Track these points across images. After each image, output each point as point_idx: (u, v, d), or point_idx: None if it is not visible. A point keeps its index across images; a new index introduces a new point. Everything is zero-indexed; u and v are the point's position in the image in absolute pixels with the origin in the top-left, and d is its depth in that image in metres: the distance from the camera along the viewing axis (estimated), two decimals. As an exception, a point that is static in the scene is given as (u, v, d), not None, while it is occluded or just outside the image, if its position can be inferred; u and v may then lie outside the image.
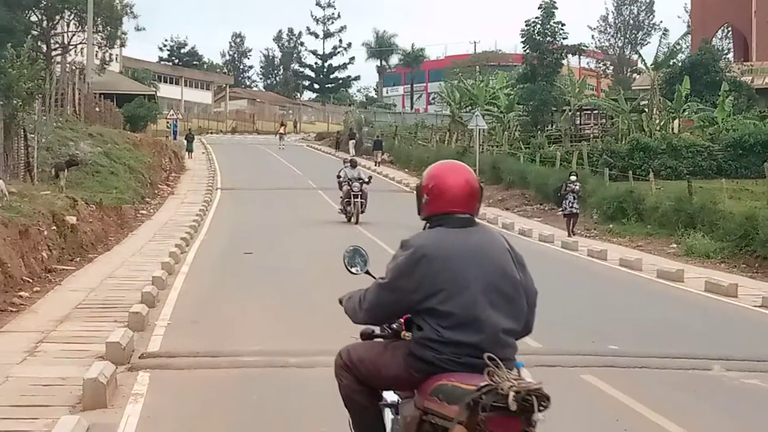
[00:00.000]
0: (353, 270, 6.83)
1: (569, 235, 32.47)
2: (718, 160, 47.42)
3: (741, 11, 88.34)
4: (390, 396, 6.10)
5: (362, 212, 33.50)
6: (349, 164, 35.45)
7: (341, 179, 34.29)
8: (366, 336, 6.21)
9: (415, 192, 6.04)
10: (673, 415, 9.80)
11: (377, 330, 6.19)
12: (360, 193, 33.52)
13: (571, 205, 33.70)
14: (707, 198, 31.28)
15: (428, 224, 5.93)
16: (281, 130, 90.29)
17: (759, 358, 12.92)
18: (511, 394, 5.10)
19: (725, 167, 46.64)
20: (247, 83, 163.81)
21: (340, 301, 6.24)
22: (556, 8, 60.14)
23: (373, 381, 6.01)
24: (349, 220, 33.31)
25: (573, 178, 34.61)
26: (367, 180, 34.40)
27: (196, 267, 22.06)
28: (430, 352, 5.57)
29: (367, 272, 6.76)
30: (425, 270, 5.63)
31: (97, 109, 57.89)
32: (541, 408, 5.23)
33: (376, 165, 66.30)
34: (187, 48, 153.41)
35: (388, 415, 6.12)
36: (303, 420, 9.53)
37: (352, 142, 77.37)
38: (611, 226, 34.54)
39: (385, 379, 5.93)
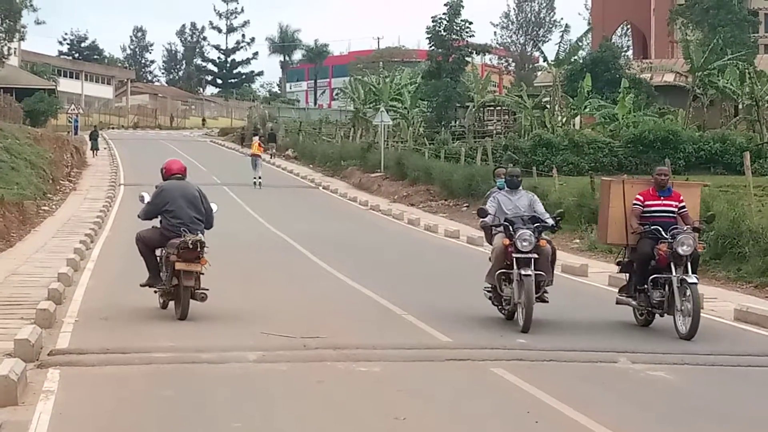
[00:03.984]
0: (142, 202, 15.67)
1: None
2: (618, 156, 48.09)
3: (640, 9, 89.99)
4: (158, 251, 15.11)
5: (545, 299, 15.22)
6: (504, 183, 16.48)
7: (490, 219, 15.79)
8: None
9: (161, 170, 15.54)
10: (581, 406, 9.99)
11: None
12: (537, 255, 14.88)
13: None
14: (609, 194, 31.67)
15: (165, 179, 15.33)
16: (257, 149, 50.67)
17: (663, 351, 13.19)
18: (189, 241, 14.14)
19: (626, 163, 47.29)
20: (149, 78, 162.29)
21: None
22: (463, 6, 60.43)
23: (150, 244, 15.10)
24: (510, 317, 15.24)
25: None
26: (553, 223, 15.61)
27: (102, 263, 21.86)
28: (166, 230, 14.78)
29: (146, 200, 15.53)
30: (163, 195, 14.95)
31: (-4, 103, 56.98)
32: (202, 247, 14.40)
33: (271, 157, 66.75)
34: (88, 42, 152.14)
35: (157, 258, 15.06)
36: (216, 415, 9.53)
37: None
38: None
39: (154, 242, 15.06)
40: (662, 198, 15.43)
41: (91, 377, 11.06)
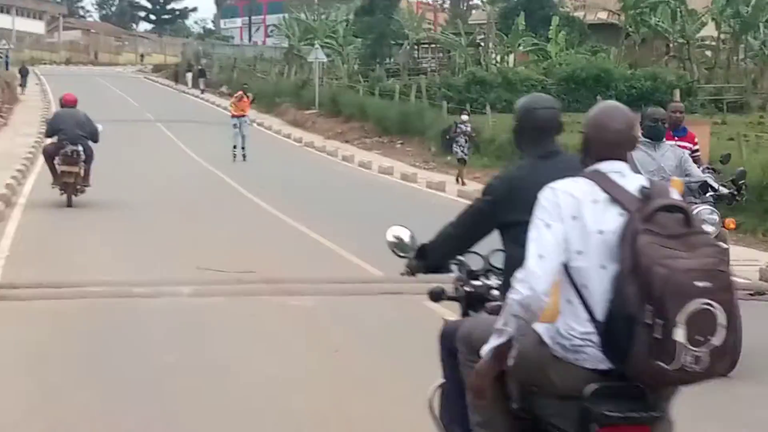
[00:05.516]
0: (46, 124, 21.77)
1: (458, 183, 28.74)
2: (551, 93, 48.07)
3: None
4: (56, 159, 20.17)
5: None
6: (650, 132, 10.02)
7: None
8: None
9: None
10: (510, 338, 10.16)
11: None
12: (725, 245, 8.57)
13: (462, 149, 29.88)
14: (542, 131, 31.86)
15: (62, 106, 21.17)
16: (239, 109, 34.47)
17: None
18: (69, 150, 19.85)
19: (558, 101, 47.61)
20: (81, 14, 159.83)
21: None
22: (396, -60, 60.20)
23: (50, 153, 20.49)
24: None
25: (464, 117, 31.22)
26: (733, 190, 10.33)
27: (35, 199, 21.71)
28: (59, 143, 20.14)
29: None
30: (57, 120, 20.76)
31: (-76, 38, 55.96)
32: (78, 155, 20.02)
33: (201, 93, 67.23)
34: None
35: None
36: (150, 349, 9.59)
37: (189, 75, 76.70)
38: (449, 158, 35.01)
39: (51, 152, 20.37)
40: (677, 138, 12.07)
41: (23, 311, 11.07)
